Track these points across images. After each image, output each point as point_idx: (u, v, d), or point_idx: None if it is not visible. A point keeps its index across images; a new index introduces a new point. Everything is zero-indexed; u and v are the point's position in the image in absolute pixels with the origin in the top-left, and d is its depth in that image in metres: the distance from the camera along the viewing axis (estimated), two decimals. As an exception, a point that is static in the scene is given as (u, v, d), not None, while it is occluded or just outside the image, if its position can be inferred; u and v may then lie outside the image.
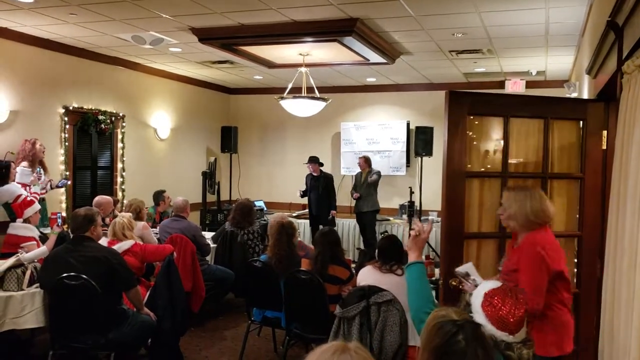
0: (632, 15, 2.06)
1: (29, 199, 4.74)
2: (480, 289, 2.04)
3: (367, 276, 3.50)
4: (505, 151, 3.06)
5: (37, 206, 4.64)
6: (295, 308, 3.89)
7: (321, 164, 7.64)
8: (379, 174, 7.56)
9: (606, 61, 2.79)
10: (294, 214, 8.41)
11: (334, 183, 7.79)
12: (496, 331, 1.86)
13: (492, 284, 2.07)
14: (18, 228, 4.24)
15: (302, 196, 7.84)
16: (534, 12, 4.48)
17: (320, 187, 7.50)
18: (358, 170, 7.87)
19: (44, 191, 5.45)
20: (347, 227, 8.13)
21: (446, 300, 2.78)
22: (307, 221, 8.12)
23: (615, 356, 1.77)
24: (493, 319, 1.88)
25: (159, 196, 6.31)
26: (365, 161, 7.62)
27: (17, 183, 4.98)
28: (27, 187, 5.12)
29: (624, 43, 2.27)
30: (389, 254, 3.53)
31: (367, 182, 7.45)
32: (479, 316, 1.92)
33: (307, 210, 8.69)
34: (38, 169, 5.38)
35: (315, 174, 7.57)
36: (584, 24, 4.63)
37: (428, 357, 1.53)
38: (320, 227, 6.44)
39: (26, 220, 4.45)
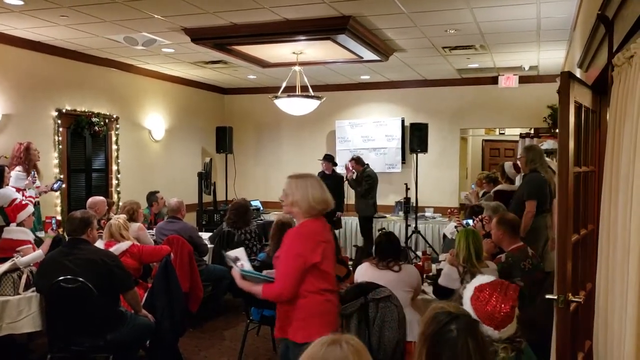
0: (621, 8, 2.07)
1: (23, 202, 4.72)
2: (474, 282, 2.05)
3: (364, 273, 3.51)
4: (578, 145, 2.64)
5: (30, 209, 4.59)
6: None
7: (335, 164, 7.57)
8: (370, 181, 7.23)
9: (597, 55, 2.80)
10: (291, 213, 8.39)
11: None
12: (482, 325, 1.86)
13: (486, 278, 2.07)
14: (13, 232, 4.22)
15: None
16: (525, 7, 4.50)
17: (329, 186, 7.39)
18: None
19: (39, 195, 5.43)
20: (343, 224, 8.13)
21: (564, 321, 2.26)
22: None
23: (609, 346, 1.78)
24: (479, 312, 1.89)
25: (151, 197, 6.31)
26: (357, 162, 7.30)
27: (12, 187, 4.97)
28: (22, 191, 5.11)
29: (614, 36, 2.28)
30: (386, 250, 3.53)
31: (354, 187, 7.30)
32: (468, 309, 1.93)
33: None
34: (33, 172, 5.36)
35: (327, 172, 7.49)
36: (575, 18, 4.65)
37: (422, 345, 1.58)
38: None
39: (20, 224, 4.43)
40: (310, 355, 1.34)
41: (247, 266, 2.64)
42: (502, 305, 1.86)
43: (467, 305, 1.92)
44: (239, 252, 2.70)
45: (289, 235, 2.64)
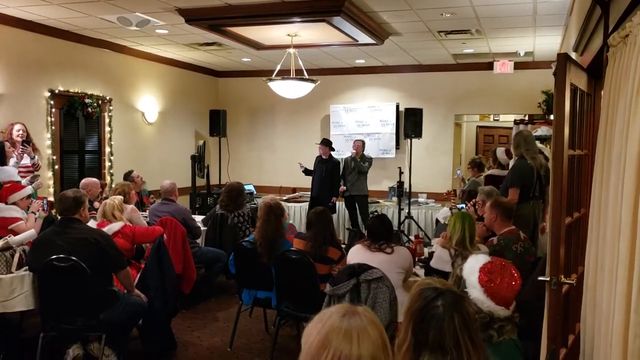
0: (617, -11, 2.07)
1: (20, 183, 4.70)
2: (474, 263, 2.07)
3: (357, 255, 3.53)
4: (573, 128, 2.56)
5: (25, 192, 4.53)
6: (285, 287, 3.91)
7: (332, 149, 7.57)
8: (371, 162, 7.55)
9: (592, 38, 2.80)
10: (284, 198, 8.42)
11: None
12: (495, 306, 1.91)
13: (483, 258, 2.10)
14: (3, 210, 4.20)
15: (305, 173, 7.76)
16: (522, -10, 4.48)
17: (325, 170, 7.45)
18: (348, 154, 7.83)
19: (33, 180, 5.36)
20: (337, 208, 8.14)
21: (555, 303, 2.25)
22: (297, 205, 8.14)
23: (597, 324, 1.81)
24: (492, 294, 1.93)
25: (127, 177, 6.27)
26: (363, 145, 7.57)
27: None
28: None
29: (609, 17, 2.28)
30: (379, 233, 3.55)
31: (358, 169, 7.42)
32: (475, 291, 1.96)
33: (297, 194, 8.71)
34: (21, 150, 5.26)
35: (324, 157, 7.49)
36: (572, 2, 4.63)
37: (409, 320, 1.60)
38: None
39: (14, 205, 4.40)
40: (329, 325, 1.26)
41: None
42: (514, 284, 1.92)
43: (476, 288, 1.95)
44: None
45: None
